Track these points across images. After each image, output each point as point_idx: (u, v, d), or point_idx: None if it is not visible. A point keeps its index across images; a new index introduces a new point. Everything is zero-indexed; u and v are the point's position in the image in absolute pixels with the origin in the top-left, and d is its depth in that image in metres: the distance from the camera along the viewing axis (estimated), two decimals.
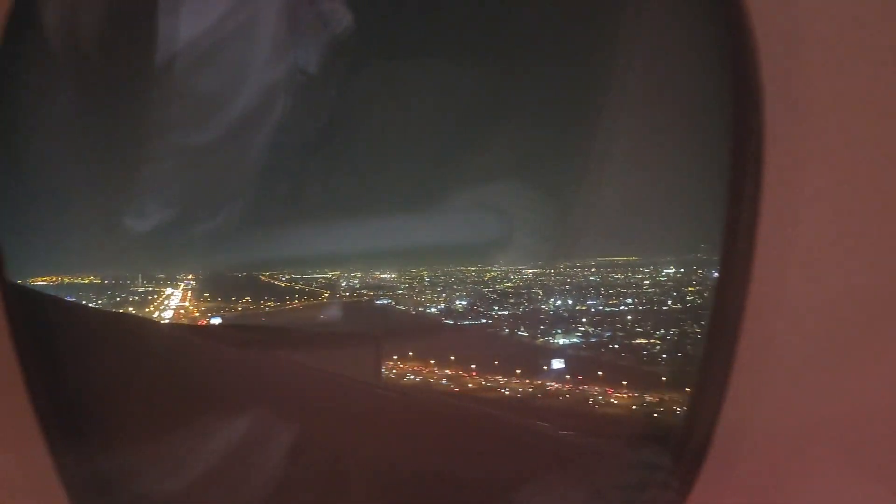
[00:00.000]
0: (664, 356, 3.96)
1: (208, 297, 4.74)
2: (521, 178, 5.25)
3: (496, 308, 5.19)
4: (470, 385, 3.55)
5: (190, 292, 4.66)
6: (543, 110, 5.51)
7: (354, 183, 5.80)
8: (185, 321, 4.04)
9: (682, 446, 1.22)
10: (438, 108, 4.73)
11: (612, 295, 5.51)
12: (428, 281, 6.14)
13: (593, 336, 4.34)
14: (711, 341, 1.16)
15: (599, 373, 3.54)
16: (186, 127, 3.15)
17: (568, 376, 3.53)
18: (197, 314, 4.28)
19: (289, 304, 4.85)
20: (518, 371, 3.52)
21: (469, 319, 4.76)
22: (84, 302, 4.07)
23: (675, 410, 3.35)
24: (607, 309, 5.23)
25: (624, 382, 3.37)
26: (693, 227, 5.65)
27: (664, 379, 3.44)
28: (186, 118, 3.13)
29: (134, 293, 4.53)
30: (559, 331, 4.39)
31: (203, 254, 4.39)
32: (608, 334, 4.44)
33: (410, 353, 3.75)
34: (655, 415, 3.23)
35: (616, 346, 4.18)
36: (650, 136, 3.32)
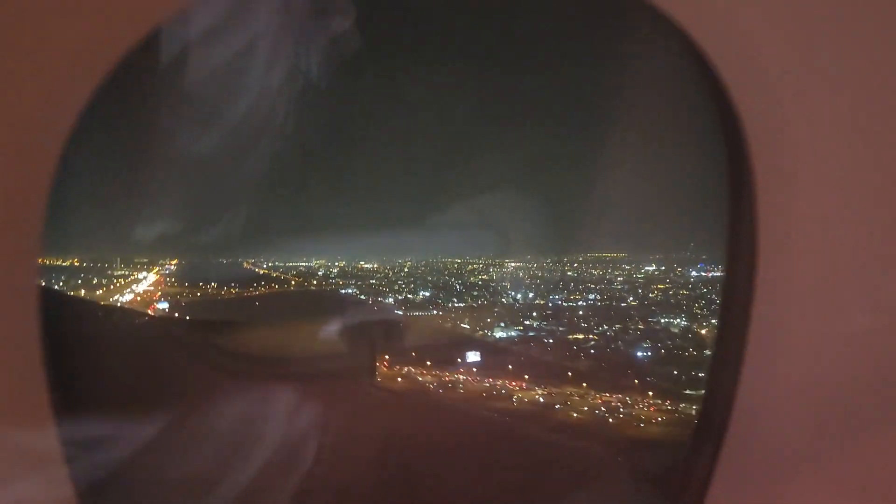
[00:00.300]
0: (591, 352, 3.93)
1: (175, 282, 4.95)
2: (516, 178, 5.34)
3: (454, 300, 5.23)
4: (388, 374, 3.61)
5: (162, 277, 4.90)
6: (549, 121, 5.62)
7: (350, 180, 5.97)
8: (137, 305, 4.25)
9: (694, 451, 1.25)
10: (446, 111, 4.93)
11: (579, 290, 5.46)
12: (407, 271, 6.25)
13: (532, 330, 4.34)
14: (721, 343, 1.17)
15: (509, 366, 3.56)
16: (186, 128, 3.32)
17: (475, 369, 3.55)
18: (153, 299, 4.50)
19: (251, 292, 5.02)
20: (428, 362, 3.57)
21: (420, 311, 4.84)
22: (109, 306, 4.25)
23: (571, 405, 3.33)
24: (565, 304, 5.19)
25: (525, 376, 3.37)
26: (683, 226, 5.57)
27: (570, 374, 3.42)
28: (187, 121, 3.29)
29: (108, 276, 4.77)
30: (502, 324, 4.41)
31: (192, 241, 4.60)
32: (549, 328, 4.42)
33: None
34: (552, 405, 3.23)
35: (550, 340, 4.17)
36: (647, 149, 3.37)
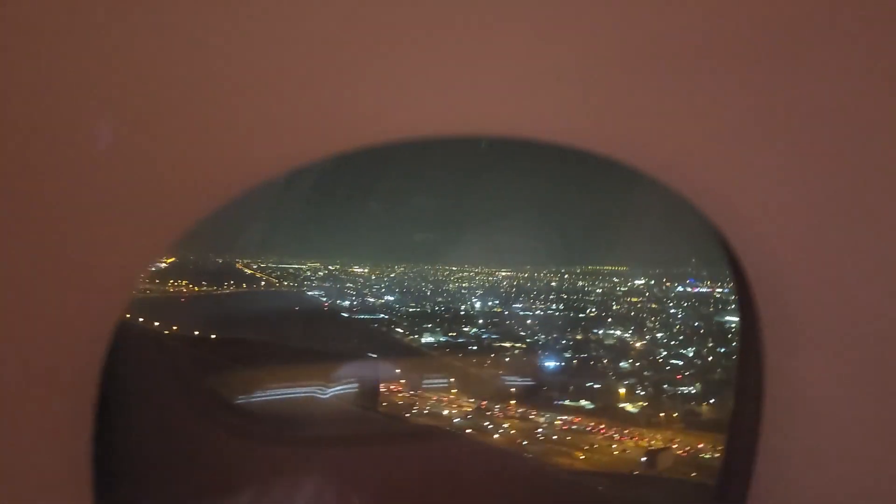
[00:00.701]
0: (506, 359, 3.74)
1: (145, 279, 5.16)
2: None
3: (412, 305, 5.13)
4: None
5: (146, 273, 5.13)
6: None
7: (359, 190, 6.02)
8: None
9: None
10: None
11: (548, 300, 5.21)
12: (392, 276, 6.20)
13: (463, 336, 4.19)
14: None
15: (397, 370, 3.43)
16: None
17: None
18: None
19: (216, 290, 5.12)
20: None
21: (369, 314, 4.79)
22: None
23: (422, 407, 3.14)
24: (522, 312, 4.97)
25: (402, 380, 3.25)
26: (683, 242, 5.21)
27: (454, 380, 3.26)
28: None
29: None
30: (437, 329, 4.29)
31: (193, 237, 4.82)
32: (483, 335, 4.25)
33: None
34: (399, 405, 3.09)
35: (473, 348, 4.00)
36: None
